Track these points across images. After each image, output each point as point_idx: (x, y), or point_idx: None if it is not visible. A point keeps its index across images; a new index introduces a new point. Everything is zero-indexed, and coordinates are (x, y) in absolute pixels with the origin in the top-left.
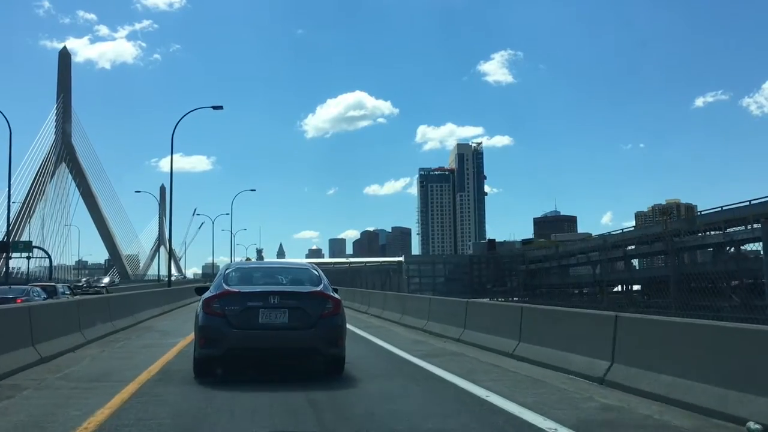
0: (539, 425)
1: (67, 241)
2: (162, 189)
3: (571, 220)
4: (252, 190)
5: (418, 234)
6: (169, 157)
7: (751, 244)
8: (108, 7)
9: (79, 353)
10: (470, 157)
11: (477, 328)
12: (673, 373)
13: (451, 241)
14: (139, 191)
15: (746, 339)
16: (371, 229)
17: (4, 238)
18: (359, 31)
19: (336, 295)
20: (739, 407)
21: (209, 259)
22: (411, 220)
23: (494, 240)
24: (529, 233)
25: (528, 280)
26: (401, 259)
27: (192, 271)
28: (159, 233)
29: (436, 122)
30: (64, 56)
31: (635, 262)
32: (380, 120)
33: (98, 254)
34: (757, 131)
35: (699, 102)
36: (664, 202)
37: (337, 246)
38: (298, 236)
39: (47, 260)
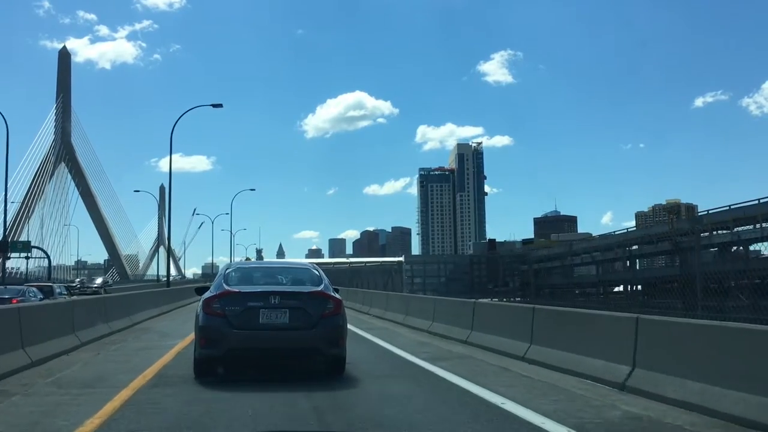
0: None
1: (67, 241)
2: (161, 189)
3: (571, 220)
4: (252, 189)
5: (418, 234)
6: (169, 156)
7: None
8: (108, 7)
9: (73, 356)
10: (470, 157)
11: (485, 330)
12: (704, 380)
13: (451, 241)
14: (138, 191)
15: None
16: (371, 229)
17: (2, 238)
18: (359, 31)
19: (337, 295)
20: None
21: (209, 259)
22: (411, 220)
23: (495, 240)
24: (529, 233)
25: (530, 280)
26: (401, 259)
27: (191, 271)
28: (158, 233)
29: (436, 122)
30: (64, 56)
31: (638, 262)
32: (380, 120)
33: (98, 254)
34: (757, 131)
35: (699, 102)
36: (664, 202)
37: (337, 246)
38: (297, 236)
39: (46, 260)
